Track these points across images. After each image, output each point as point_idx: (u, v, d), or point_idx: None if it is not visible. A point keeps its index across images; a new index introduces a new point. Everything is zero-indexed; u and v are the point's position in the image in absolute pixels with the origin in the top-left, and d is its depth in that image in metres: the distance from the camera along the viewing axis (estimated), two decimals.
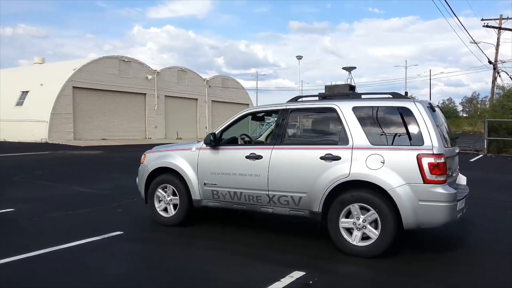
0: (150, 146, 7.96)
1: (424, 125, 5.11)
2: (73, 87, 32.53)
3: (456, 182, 6.06)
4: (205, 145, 6.38)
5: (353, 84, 7.09)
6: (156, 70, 39.93)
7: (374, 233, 5.12)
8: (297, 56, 62.46)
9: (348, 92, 6.26)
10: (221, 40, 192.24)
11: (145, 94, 38.87)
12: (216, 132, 6.38)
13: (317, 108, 6.11)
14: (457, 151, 6.06)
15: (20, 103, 33.70)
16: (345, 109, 5.56)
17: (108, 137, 34.58)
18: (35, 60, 43.05)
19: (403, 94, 6.13)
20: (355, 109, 5.53)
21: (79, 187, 10.74)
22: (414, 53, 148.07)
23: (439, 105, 6.10)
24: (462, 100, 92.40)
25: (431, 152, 4.97)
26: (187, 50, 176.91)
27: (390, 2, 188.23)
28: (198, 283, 4.54)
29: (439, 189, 4.94)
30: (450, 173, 5.34)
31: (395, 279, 4.67)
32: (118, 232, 6.34)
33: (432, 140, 5.03)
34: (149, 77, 38.83)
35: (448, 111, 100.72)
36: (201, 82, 45.72)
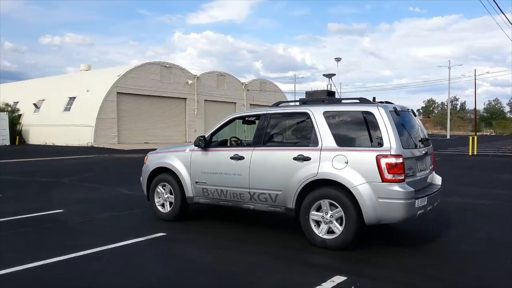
0: None
1: (384, 128, 5.49)
2: (117, 92, 33.65)
3: (430, 181, 6.45)
4: (196, 147, 6.96)
5: (333, 90, 7.43)
6: (196, 75, 40.65)
7: (338, 229, 5.58)
8: (336, 58, 61.78)
9: (325, 97, 6.71)
10: (259, 44, 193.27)
11: (185, 98, 39.63)
12: (206, 135, 6.99)
13: (293, 113, 6.69)
14: (424, 152, 6.20)
15: (67, 108, 35.18)
16: (316, 113, 6.05)
17: (150, 140, 35.48)
18: (82, 67, 44.90)
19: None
20: (325, 113, 6.00)
21: (123, 189, 11.09)
22: (458, 52, 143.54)
23: (412, 110, 6.62)
24: (510, 100, 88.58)
25: (389, 153, 5.35)
26: (226, 54, 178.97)
27: (432, 1, 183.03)
28: (239, 285, 4.59)
29: (396, 187, 5.30)
30: (411, 173, 5.66)
31: (435, 285, 4.55)
32: (161, 234, 6.50)
33: (391, 142, 5.41)
34: (190, 82, 39.58)
35: (495, 112, 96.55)
36: (239, 86, 46.13)
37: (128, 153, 25.81)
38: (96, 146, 30.86)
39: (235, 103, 45.36)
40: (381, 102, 6.14)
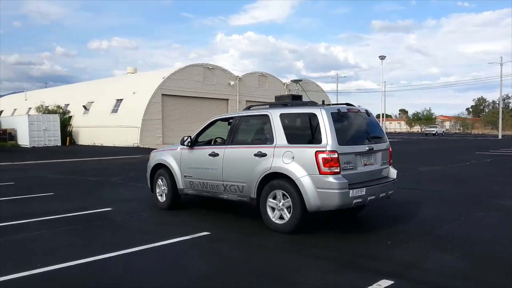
0: None
1: (323, 127, 6.27)
2: (162, 94, 34.50)
3: (386, 174, 7.26)
4: (185, 146, 8.04)
5: (300, 94, 8.52)
6: (238, 76, 41.00)
7: (287, 216, 6.46)
8: (380, 56, 60.64)
9: (288, 101, 7.55)
10: (301, 44, 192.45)
11: (227, 99, 40.06)
12: (192, 136, 8.08)
13: (257, 115, 7.50)
14: (369, 148, 6.77)
15: (115, 110, 36.42)
16: (274, 115, 6.94)
17: None
18: (128, 70, 46.39)
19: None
20: (281, 115, 6.88)
21: None
22: (510, 48, 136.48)
23: (367, 110, 7.29)
24: None
25: (325, 149, 6.12)
26: (267, 55, 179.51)
27: None
28: (284, 285, 4.58)
29: (331, 179, 6.05)
30: (350, 167, 6.35)
31: None
32: (206, 233, 6.59)
33: (327, 139, 6.17)
34: (232, 83, 39.97)
35: None
36: (281, 86, 46.08)
37: None
38: (141, 146, 31.76)
39: None
40: (330, 105, 7.12)
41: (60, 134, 35.45)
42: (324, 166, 6.08)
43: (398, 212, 8.27)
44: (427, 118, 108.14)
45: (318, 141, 6.26)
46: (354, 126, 6.94)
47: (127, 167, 17.76)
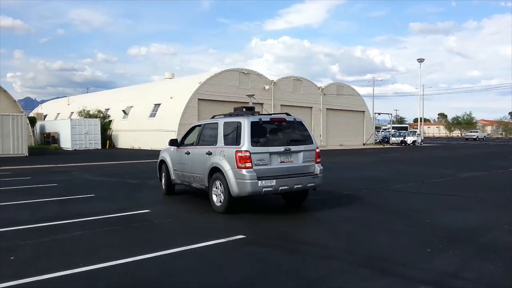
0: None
1: (243, 133, 8.12)
2: (198, 99, 35.00)
3: (310, 170, 8.73)
4: (175, 146, 10.44)
5: (253, 106, 10.66)
6: (272, 80, 41.05)
7: (222, 200, 8.37)
8: (418, 59, 59.15)
9: (240, 112, 9.23)
10: (336, 47, 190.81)
11: (262, 104, 40.14)
12: (179, 139, 10.59)
13: (213, 123, 9.36)
14: (285, 149, 8.38)
15: (153, 114, 37.25)
16: (220, 123, 8.91)
17: None
18: (166, 75, 47.38)
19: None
20: (224, 123, 8.81)
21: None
22: None
23: (295, 119, 9.00)
24: None
25: (241, 149, 7.96)
26: (302, 59, 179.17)
27: None
28: None
29: (244, 172, 7.90)
30: (262, 163, 8.07)
31: None
32: (241, 236, 6.64)
33: (244, 142, 8.04)
34: (266, 87, 40.06)
35: None
36: (315, 90, 45.79)
37: None
38: None
39: (311, 107, 45.11)
40: (263, 115, 9.17)
41: (100, 137, 36.58)
42: (240, 162, 7.95)
43: (437, 220, 8.04)
44: (467, 123, 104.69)
45: (239, 143, 8.13)
46: (274, 132, 8.64)
47: None
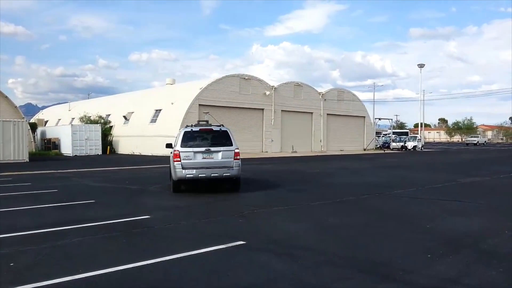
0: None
1: (178, 138, 12.19)
2: (199, 104, 35.04)
3: (228, 165, 11.94)
4: (172, 149, 12.42)
5: (207, 120, 15.08)
6: (273, 86, 41.10)
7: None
8: (419, 65, 59.26)
9: (196, 123, 13.60)
10: (337, 53, 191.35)
11: (263, 109, 40.22)
12: (173, 143, 12.71)
13: (210, 129, 12.69)
14: (206, 149, 12.01)
15: (154, 120, 37.29)
16: (180, 132, 12.60)
17: None
18: (167, 81, 47.50)
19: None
20: (183, 132, 12.35)
21: (204, 197, 11.47)
22: None
23: (221, 127, 12.81)
24: None
25: (174, 149, 11.86)
26: (302, 64, 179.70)
27: None
28: None
29: (175, 164, 11.71)
30: (188, 158, 11.71)
31: None
32: (241, 242, 6.62)
33: (177, 144, 11.94)
34: (267, 93, 40.11)
35: None
36: (316, 95, 45.84)
37: None
38: None
39: (312, 113, 45.14)
40: (200, 125, 13.17)
41: (101, 143, 36.59)
42: (174, 158, 11.86)
43: (438, 225, 8.03)
44: (467, 128, 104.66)
45: (176, 145, 12.11)
46: (200, 138, 12.35)
47: (165, 176, 18.04)
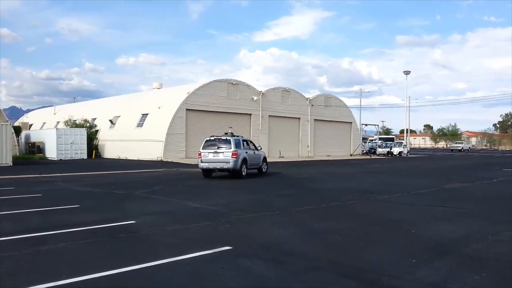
0: None
1: (202, 144, 19.70)
2: (187, 109, 34.92)
3: (229, 161, 18.37)
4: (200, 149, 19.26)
5: (232, 131, 22.07)
6: (261, 91, 41.17)
7: None
8: (405, 71, 59.99)
9: (227, 134, 20.19)
10: (324, 59, 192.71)
11: (250, 114, 40.24)
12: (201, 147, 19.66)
13: (219, 138, 19.37)
14: (216, 150, 18.58)
15: (140, 124, 37.03)
16: (228, 138, 19.25)
17: None
18: (154, 85, 47.28)
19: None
20: (206, 140, 19.65)
21: (191, 202, 11.42)
22: None
23: (226, 138, 19.29)
24: None
25: (199, 151, 19.24)
26: (290, 70, 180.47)
27: (509, 9, 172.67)
28: None
29: (199, 159, 19.13)
30: (205, 156, 18.73)
31: None
32: (227, 247, 6.60)
33: (201, 147, 19.28)
34: (255, 98, 40.16)
35: None
36: (303, 101, 46.04)
37: (195, 167, 26.53)
38: (165, 160, 32.10)
39: (299, 118, 45.31)
40: (217, 135, 20.28)
41: (86, 147, 36.20)
42: (198, 156, 19.01)
43: (422, 230, 8.11)
44: (452, 134, 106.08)
45: (200, 148, 19.13)
46: (213, 143, 18.87)
47: (151, 180, 17.99)
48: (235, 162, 18.22)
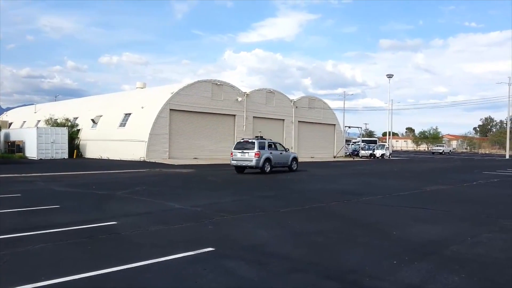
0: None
1: (234, 145, 24.93)
2: (170, 109, 34.67)
3: (252, 159, 22.32)
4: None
5: (261, 135, 25.12)
6: (245, 92, 41.15)
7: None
8: (388, 75, 60.74)
9: (256, 138, 23.82)
10: (308, 61, 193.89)
11: (234, 115, 40.18)
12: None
13: (247, 141, 23.45)
14: (243, 151, 22.59)
15: (123, 124, 36.63)
16: (253, 141, 23.10)
17: (199, 156, 36.17)
18: (137, 85, 46.79)
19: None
20: (237, 142, 24.83)
21: (174, 203, 11.34)
22: None
23: (252, 140, 23.20)
24: None
25: (232, 151, 23.79)
26: (274, 72, 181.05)
27: (489, 15, 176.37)
28: None
29: (230, 158, 23.45)
30: (235, 155, 22.86)
31: None
32: (210, 249, 6.57)
33: (233, 147, 23.88)
34: (239, 99, 40.12)
35: None
36: (288, 103, 46.20)
37: (178, 168, 26.42)
38: (148, 160, 31.83)
39: (283, 119, 45.45)
40: (246, 138, 25.27)
41: (67, 147, 35.67)
42: (230, 155, 23.33)
43: (404, 232, 8.20)
44: (434, 137, 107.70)
45: (232, 149, 23.63)
46: (242, 145, 23.02)
47: (134, 181, 17.80)
48: (258, 160, 22.15)
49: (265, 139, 23.84)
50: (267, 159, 22.76)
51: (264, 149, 22.81)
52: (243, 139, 24.12)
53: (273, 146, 24.19)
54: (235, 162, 22.85)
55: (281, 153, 24.51)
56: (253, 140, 22.79)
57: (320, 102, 51.10)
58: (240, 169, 23.08)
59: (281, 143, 27.66)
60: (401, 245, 7.11)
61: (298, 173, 24.02)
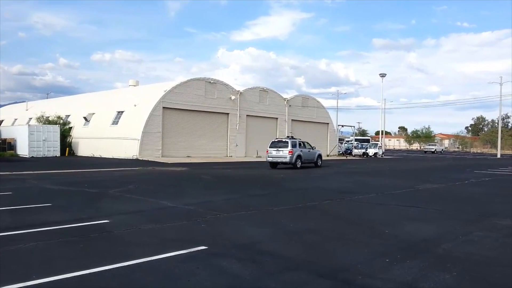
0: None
1: (269, 143, 27.09)
2: (163, 107, 34.56)
3: (286, 156, 25.26)
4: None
5: (292, 135, 31.34)
6: (239, 90, 41.12)
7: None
8: (381, 74, 60.99)
9: (287, 137, 27.55)
10: (302, 60, 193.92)
11: (228, 114, 40.15)
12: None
13: (281, 140, 26.80)
14: (277, 149, 25.65)
15: (115, 122, 36.46)
16: (287, 140, 26.32)
17: (192, 154, 36.10)
18: (130, 82, 46.59)
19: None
20: (272, 141, 27.25)
21: (167, 201, 11.30)
22: (510, 68, 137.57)
23: (289, 136, 27.76)
24: None
25: (267, 149, 26.46)
26: (268, 70, 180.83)
27: (481, 15, 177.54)
28: None
29: (266, 155, 26.52)
30: (270, 153, 25.90)
31: None
32: (202, 247, 6.55)
33: (268, 146, 26.64)
34: (233, 97, 40.08)
35: None
36: (281, 101, 46.24)
37: (171, 166, 26.33)
38: (141, 158, 31.71)
39: (277, 118, 45.47)
40: (279, 138, 29.53)
41: (59, 144, 35.45)
42: (266, 152, 26.44)
43: (396, 230, 8.24)
44: (426, 136, 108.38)
45: (268, 147, 26.38)
46: (276, 143, 26.08)
47: (126, 179, 17.72)
48: (291, 157, 24.98)
49: (296, 139, 27.17)
50: (299, 156, 25.75)
51: (295, 147, 25.74)
52: (277, 138, 28.08)
53: (302, 144, 27.08)
54: (270, 158, 25.69)
55: (309, 151, 27.65)
56: (286, 139, 25.92)
57: (314, 101, 51.20)
58: (274, 164, 26.04)
59: (306, 141, 29.87)
60: (393, 244, 7.14)
61: (320, 168, 27.22)
